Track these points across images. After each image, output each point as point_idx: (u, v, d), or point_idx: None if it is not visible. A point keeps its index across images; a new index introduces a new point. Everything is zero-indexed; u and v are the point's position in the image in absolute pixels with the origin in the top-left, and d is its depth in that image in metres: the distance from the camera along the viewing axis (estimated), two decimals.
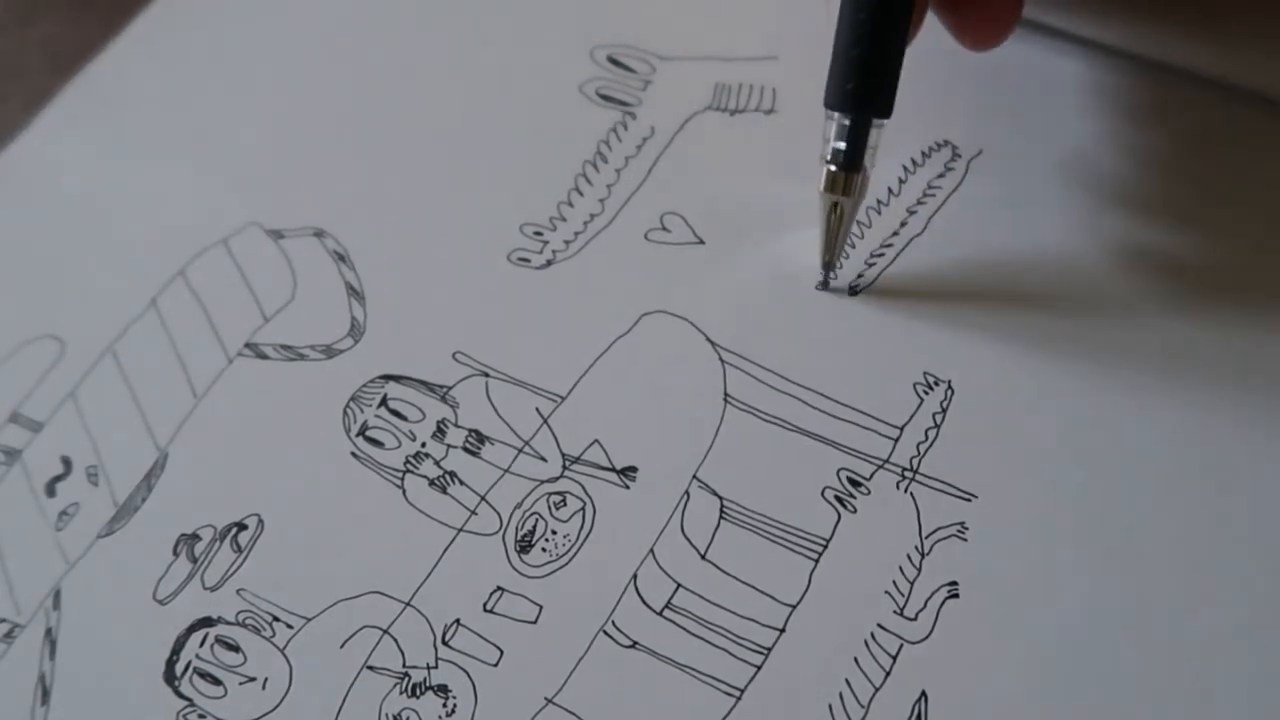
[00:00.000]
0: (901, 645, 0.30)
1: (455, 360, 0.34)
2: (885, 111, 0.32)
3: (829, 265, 0.34)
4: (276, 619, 0.32)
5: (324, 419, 0.34)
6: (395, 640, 0.31)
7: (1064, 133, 0.36)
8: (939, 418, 0.32)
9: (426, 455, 0.33)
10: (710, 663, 0.30)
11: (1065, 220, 0.35)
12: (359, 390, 0.34)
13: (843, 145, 0.32)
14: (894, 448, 0.32)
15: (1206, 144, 0.35)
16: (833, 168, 0.32)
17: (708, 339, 0.34)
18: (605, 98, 0.38)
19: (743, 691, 0.30)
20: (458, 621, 0.31)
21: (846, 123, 0.32)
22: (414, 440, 0.33)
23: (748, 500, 0.32)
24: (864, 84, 0.32)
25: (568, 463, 0.33)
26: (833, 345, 0.34)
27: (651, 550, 0.31)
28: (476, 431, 0.33)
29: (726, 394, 0.33)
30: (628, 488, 0.32)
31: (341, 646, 0.31)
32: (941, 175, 0.36)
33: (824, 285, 0.34)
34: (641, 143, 0.37)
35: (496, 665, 0.31)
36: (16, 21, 0.44)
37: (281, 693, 0.31)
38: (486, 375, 0.34)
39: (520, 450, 0.33)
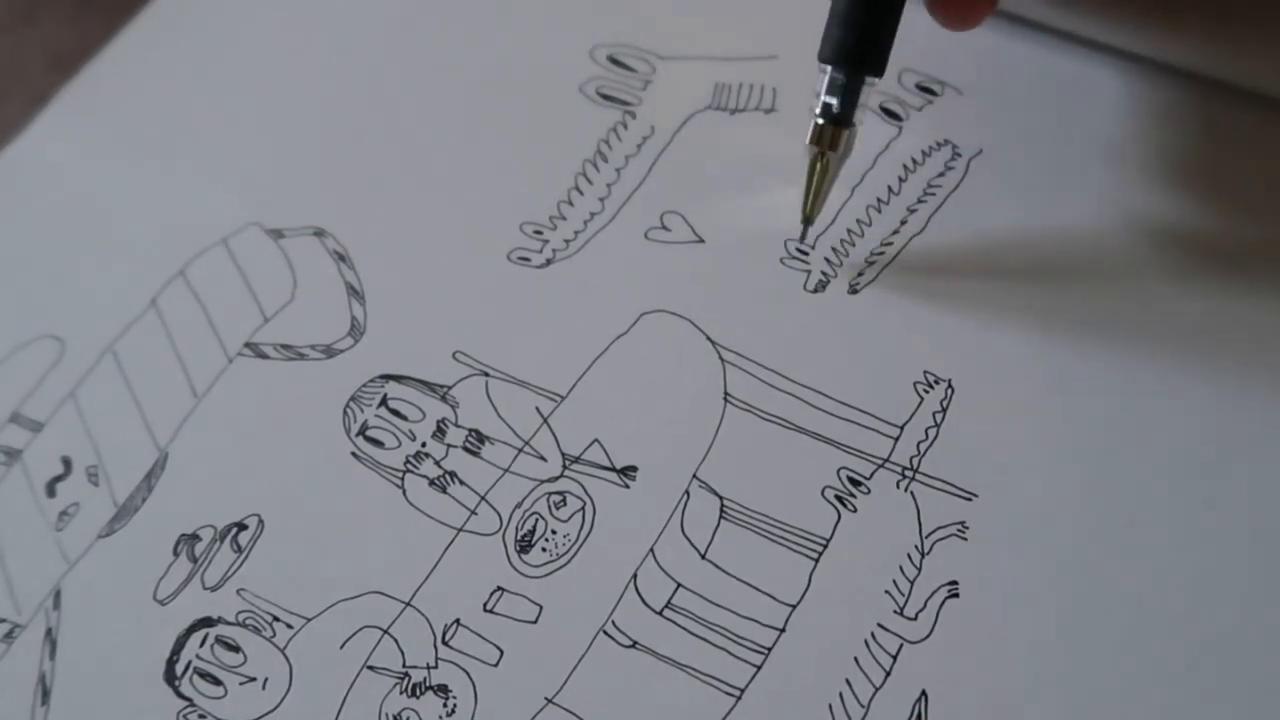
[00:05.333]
0: (901, 645, 0.30)
1: (455, 360, 0.34)
2: (878, 70, 0.32)
3: (809, 220, 0.34)
4: (276, 619, 0.32)
5: (324, 419, 0.34)
6: (395, 640, 0.31)
7: (1064, 133, 0.36)
8: (939, 417, 0.32)
9: (426, 455, 0.33)
10: (710, 663, 0.30)
11: (1065, 220, 0.35)
12: (359, 390, 0.34)
13: (834, 100, 0.32)
14: (894, 447, 0.32)
15: (1208, 145, 0.35)
16: (820, 121, 0.32)
17: (707, 338, 0.34)
18: (605, 97, 0.38)
19: (743, 691, 0.30)
20: (458, 621, 0.31)
21: (839, 78, 0.32)
22: (414, 440, 0.33)
23: (748, 500, 0.32)
24: (860, 40, 0.32)
25: (568, 462, 0.33)
26: (833, 344, 0.34)
27: (651, 550, 0.31)
28: (476, 431, 0.33)
29: (726, 393, 0.33)
30: (628, 487, 0.32)
31: (341, 646, 0.31)
32: (941, 175, 0.36)
33: (801, 240, 0.34)
34: (642, 142, 0.37)
35: (496, 665, 0.31)
36: (17, 21, 0.44)
37: (281, 693, 0.31)
38: (486, 375, 0.34)
39: (520, 450, 0.33)
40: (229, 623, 0.32)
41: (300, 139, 0.39)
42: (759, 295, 0.34)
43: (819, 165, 0.33)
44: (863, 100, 0.32)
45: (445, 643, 0.31)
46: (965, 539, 0.31)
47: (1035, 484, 0.31)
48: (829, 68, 0.32)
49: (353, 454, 0.33)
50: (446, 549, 0.32)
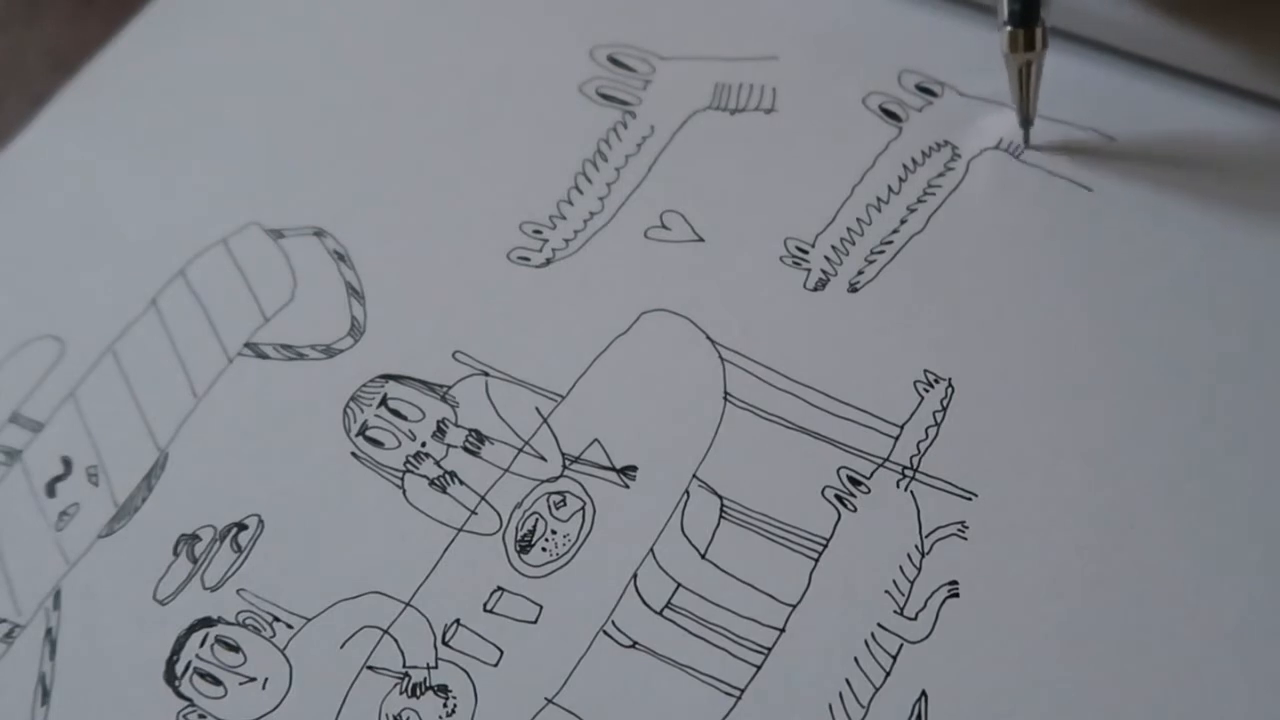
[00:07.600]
0: (901, 645, 0.30)
1: (455, 360, 0.34)
2: None
3: (1028, 122, 0.35)
4: (276, 619, 0.32)
5: (324, 419, 0.34)
6: (395, 640, 0.31)
7: (1065, 134, 0.36)
8: (939, 416, 0.32)
9: (426, 455, 0.33)
10: (710, 662, 0.30)
11: (1066, 219, 0.35)
12: (359, 390, 0.34)
13: (1019, 3, 0.33)
14: (894, 446, 0.32)
15: (1211, 146, 0.35)
16: (1010, 28, 0.33)
17: (707, 337, 0.34)
18: (605, 97, 0.38)
19: (743, 691, 0.30)
20: (458, 621, 0.31)
21: None
22: (414, 440, 0.33)
23: (748, 499, 0.32)
24: None
25: (568, 462, 0.33)
26: (833, 343, 0.34)
27: (651, 550, 0.31)
28: (476, 431, 0.33)
29: (726, 392, 0.33)
30: (628, 487, 0.32)
31: (341, 646, 0.31)
32: (941, 175, 0.36)
33: (1025, 143, 0.35)
34: (641, 141, 0.37)
35: (496, 665, 0.31)
36: (17, 21, 0.44)
37: (281, 693, 0.31)
38: (486, 374, 0.34)
39: (520, 450, 0.33)
40: (229, 623, 0.32)
41: (300, 139, 0.39)
42: (759, 294, 0.34)
43: (1024, 69, 0.34)
44: None
45: (445, 643, 0.31)
46: (965, 539, 0.31)
47: (1035, 484, 0.31)
48: None
49: (353, 454, 0.33)
50: (446, 549, 0.32)
